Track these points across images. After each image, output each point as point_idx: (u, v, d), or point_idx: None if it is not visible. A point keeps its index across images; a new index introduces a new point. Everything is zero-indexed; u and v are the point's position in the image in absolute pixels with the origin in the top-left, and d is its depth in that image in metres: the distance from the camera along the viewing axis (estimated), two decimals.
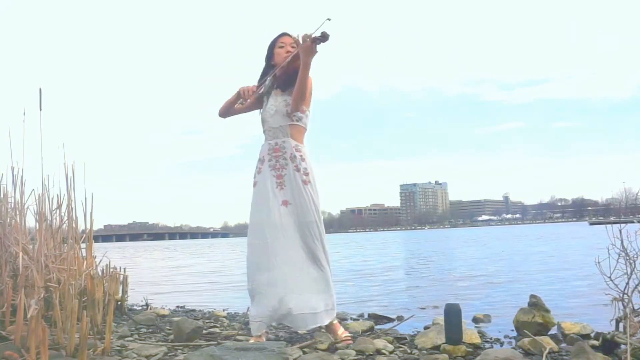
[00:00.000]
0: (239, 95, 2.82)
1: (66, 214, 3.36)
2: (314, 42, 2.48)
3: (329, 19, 2.46)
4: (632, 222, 2.51)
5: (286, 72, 2.73)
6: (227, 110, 2.94)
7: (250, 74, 2.95)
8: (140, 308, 4.37)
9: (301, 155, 2.70)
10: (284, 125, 2.72)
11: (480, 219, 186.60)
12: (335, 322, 2.76)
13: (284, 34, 2.81)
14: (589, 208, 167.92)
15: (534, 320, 2.98)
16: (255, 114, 2.92)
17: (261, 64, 2.89)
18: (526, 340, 2.57)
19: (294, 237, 2.63)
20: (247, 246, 2.72)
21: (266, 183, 2.69)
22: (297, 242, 2.63)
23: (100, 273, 3.46)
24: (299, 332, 2.94)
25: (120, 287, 3.77)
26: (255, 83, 2.85)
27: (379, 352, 2.50)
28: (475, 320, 3.70)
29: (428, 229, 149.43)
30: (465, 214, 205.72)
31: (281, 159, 2.68)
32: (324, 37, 2.47)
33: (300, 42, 2.54)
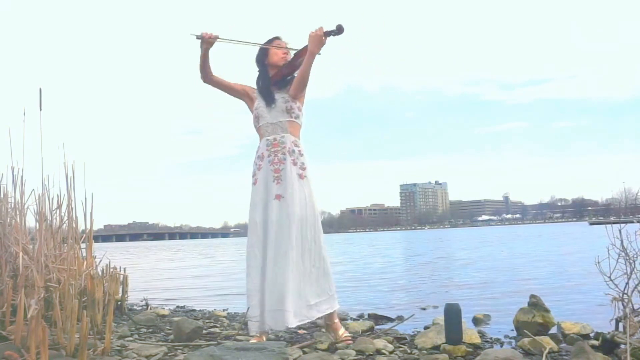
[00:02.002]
0: (202, 40, 2.68)
1: (66, 214, 3.36)
2: (326, 35, 2.55)
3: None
4: (632, 222, 2.51)
5: (282, 73, 2.77)
6: (205, 72, 2.77)
7: (250, 75, 2.94)
8: (140, 308, 4.37)
9: (299, 150, 2.73)
10: (282, 121, 2.73)
11: (480, 219, 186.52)
12: (336, 321, 2.76)
13: (277, 38, 2.84)
14: (589, 208, 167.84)
15: (534, 320, 2.98)
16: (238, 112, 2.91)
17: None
18: (526, 340, 2.57)
19: (286, 232, 2.60)
20: (246, 245, 2.73)
21: (266, 178, 2.69)
22: (290, 236, 2.60)
23: (100, 273, 3.47)
24: (299, 332, 2.95)
25: (120, 287, 3.77)
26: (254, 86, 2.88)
27: (379, 352, 2.50)
28: (475, 320, 3.70)
29: (428, 229, 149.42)
30: (465, 214, 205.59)
31: (280, 153, 2.69)
32: (339, 30, 2.56)
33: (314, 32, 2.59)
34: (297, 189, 2.65)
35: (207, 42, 2.70)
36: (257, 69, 2.87)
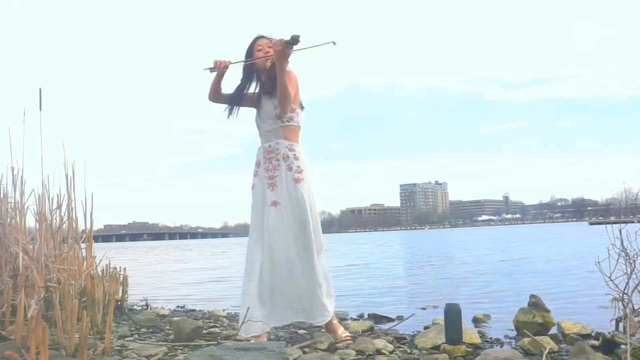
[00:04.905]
0: (215, 67, 2.77)
1: (66, 214, 3.35)
2: (285, 47, 2.50)
3: (334, 43, 2.51)
4: (632, 222, 2.51)
5: (270, 77, 2.74)
6: (215, 93, 2.83)
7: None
8: (140, 308, 4.37)
9: (294, 154, 2.72)
10: (275, 128, 2.74)
11: (480, 219, 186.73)
12: (335, 322, 2.77)
13: (259, 37, 2.82)
14: (589, 208, 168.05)
15: (534, 320, 2.98)
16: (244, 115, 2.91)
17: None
18: (526, 340, 2.57)
19: (283, 238, 2.64)
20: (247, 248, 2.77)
21: (261, 185, 2.74)
22: (287, 242, 2.64)
23: (100, 273, 3.47)
24: (299, 331, 2.95)
25: (120, 287, 3.77)
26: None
27: (379, 352, 2.50)
28: (475, 320, 3.70)
29: (428, 229, 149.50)
30: (465, 214, 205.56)
31: (274, 160, 2.72)
32: (294, 41, 2.49)
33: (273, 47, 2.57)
34: (292, 193, 2.67)
35: (221, 72, 2.77)
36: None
